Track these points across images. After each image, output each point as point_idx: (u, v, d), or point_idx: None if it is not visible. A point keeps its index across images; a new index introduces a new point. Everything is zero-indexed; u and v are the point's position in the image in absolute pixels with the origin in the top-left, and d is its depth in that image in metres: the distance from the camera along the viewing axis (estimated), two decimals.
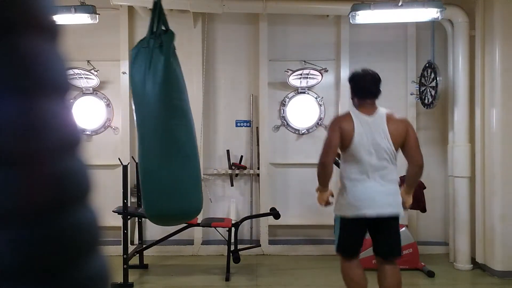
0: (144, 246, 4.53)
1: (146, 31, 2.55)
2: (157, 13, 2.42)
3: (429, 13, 4.06)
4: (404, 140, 2.91)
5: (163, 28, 2.40)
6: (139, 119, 2.33)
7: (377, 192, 2.81)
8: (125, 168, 4.03)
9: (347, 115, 2.94)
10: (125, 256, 3.94)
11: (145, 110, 2.29)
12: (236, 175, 5.16)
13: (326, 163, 2.87)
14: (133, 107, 2.40)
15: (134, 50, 2.39)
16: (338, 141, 2.85)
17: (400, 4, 3.97)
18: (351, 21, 4.23)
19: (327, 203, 3.05)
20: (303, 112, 5.17)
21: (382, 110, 2.94)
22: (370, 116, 2.90)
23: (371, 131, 2.84)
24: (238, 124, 5.22)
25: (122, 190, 4.03)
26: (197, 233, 4.98)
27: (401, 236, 4.41)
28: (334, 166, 3.04)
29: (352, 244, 3.02)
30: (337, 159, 4.69)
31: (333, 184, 5.24)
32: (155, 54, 2.30)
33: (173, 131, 2.28)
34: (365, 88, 2.97)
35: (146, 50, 2.34)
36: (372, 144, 2.83)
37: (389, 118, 2.90)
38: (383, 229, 2.94)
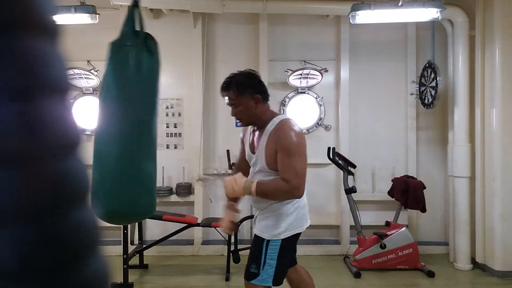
0: (144, 246, 4.53)
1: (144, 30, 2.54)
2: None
3: (429, 13, 4.06)
4: None
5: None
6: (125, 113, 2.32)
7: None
8: None
9: (295, 122, 2.36)
10: (125, 256, 3.94)
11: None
12: None
13: (302, 193, 2.24)
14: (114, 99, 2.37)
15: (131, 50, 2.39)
16: None
17: (400, 4, 3.97)
18: (351, 21, 4.23)
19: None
20: (303, 112, 5.17)
21: None
22: None
23: None
24: (238, 124, 5.18)
25: None
26: (197, 233, 4.98)
27: (401, 236, 4.46)
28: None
29: (289, 263, 2.51)
30: (341, 162, 4.71)
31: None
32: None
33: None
34: (264, 85, 2.46)
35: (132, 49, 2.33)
36: None
37: None
38: None
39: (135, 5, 2.40)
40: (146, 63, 2.33)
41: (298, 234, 2.37)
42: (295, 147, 2.17)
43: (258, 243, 2.32)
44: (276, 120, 2.29)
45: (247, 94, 2.27)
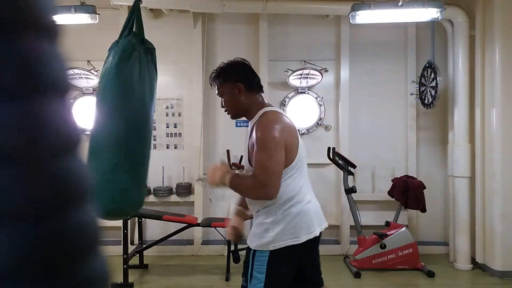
0: (144, 246, 4.53)
1: (137, 31, 2.56)
2: (136, 15, 2.47)
3: (429, 13, 4.06)
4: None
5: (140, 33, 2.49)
6: (123, 115, 2.38)
7: (316, 206, 2.14)
8: None
9: (280, 114, 2.03)
10: (125, 256, 3.94)
11: (132, 109, 2.36)
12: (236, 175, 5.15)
13: (273, 192, 1.90)
14: (109, 101, 2.42)
15: (126, 51, 2.42)
16: (284, 158, 1.92)
17: (400, 4, 3.98)
18: (351, 21, 4.23)
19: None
20: (303, 112, 5.17)
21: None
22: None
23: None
24: (238, 124, 5.21)
25: None
26: (197, 233, 4.98)
27: (401, 236, 4.46)
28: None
29: (298, 283, 2.10)
30: (341, 162, 4.71)
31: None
32: (147, 64, 2.39)
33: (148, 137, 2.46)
34: (254, 74, 2.17)
35: (137, 54, 2.39)
36: (303, 147, 2.08)
37: None
38: (317, 250, 2.25)
39: (137, 7, 2.43)
40: (152, 71, 2.41)
41: (296, 247, 1.96)
42: (266, 141, 1.88)
43: (247, 252, 2.07)
44: (260, 112, 2.02)
45: (229, 82, 2.07)
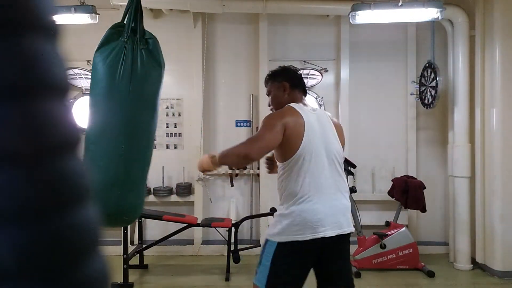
0: (144, 246, 4.53)
1: (132, 22, 2.49)
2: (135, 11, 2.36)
3: (429, 13, 4.06)
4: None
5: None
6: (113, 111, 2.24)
7: (335, 207, 2.12)
8: None
9: (293, 109, 2.16)
10: (125, 256, 3.94)
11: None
12: (236, 175, 5.16)
13: (252, 158, 2.13)
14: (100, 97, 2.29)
15: (105, 41, 2.28)
16: (278, 140, 2.05)
17: (400, 4, 3.98)
18: (351, 21, 4.23)
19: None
20: None
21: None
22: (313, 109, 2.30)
23: (322, 127, 2.22)
24: (238, 124, 5.22)
25: None
26: (197, 233, 4.98)
27: (401, 236, 4.46)
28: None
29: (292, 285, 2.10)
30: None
31: None
32: (138, 55, 2.29)
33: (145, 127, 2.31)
34: (301, 78, 2.46)
35: (117, 44, 2.26)
36: (326, 145, 2.20)
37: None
38: (337, 252, 2.18)
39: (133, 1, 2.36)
40: (142, 61, 2.29)
41: (301, 244, 2.02)
42: (263, 124, 2.12)
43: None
44: None
45: (277, 81, 2.32)
